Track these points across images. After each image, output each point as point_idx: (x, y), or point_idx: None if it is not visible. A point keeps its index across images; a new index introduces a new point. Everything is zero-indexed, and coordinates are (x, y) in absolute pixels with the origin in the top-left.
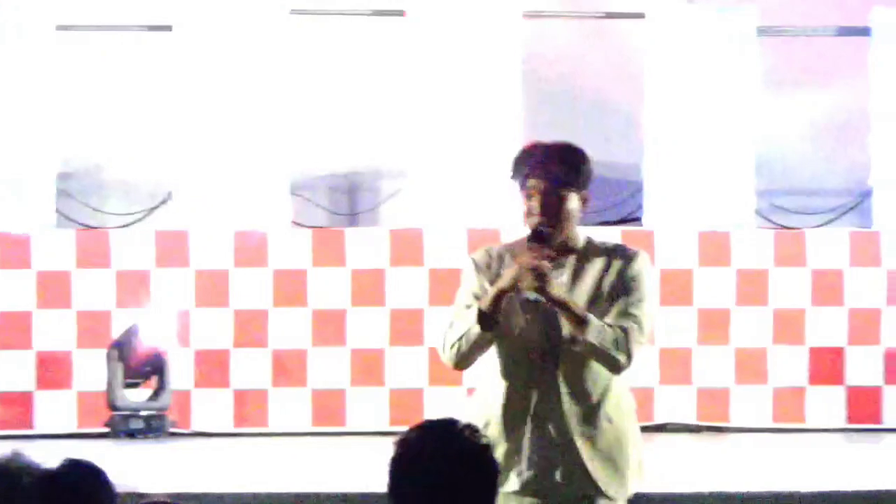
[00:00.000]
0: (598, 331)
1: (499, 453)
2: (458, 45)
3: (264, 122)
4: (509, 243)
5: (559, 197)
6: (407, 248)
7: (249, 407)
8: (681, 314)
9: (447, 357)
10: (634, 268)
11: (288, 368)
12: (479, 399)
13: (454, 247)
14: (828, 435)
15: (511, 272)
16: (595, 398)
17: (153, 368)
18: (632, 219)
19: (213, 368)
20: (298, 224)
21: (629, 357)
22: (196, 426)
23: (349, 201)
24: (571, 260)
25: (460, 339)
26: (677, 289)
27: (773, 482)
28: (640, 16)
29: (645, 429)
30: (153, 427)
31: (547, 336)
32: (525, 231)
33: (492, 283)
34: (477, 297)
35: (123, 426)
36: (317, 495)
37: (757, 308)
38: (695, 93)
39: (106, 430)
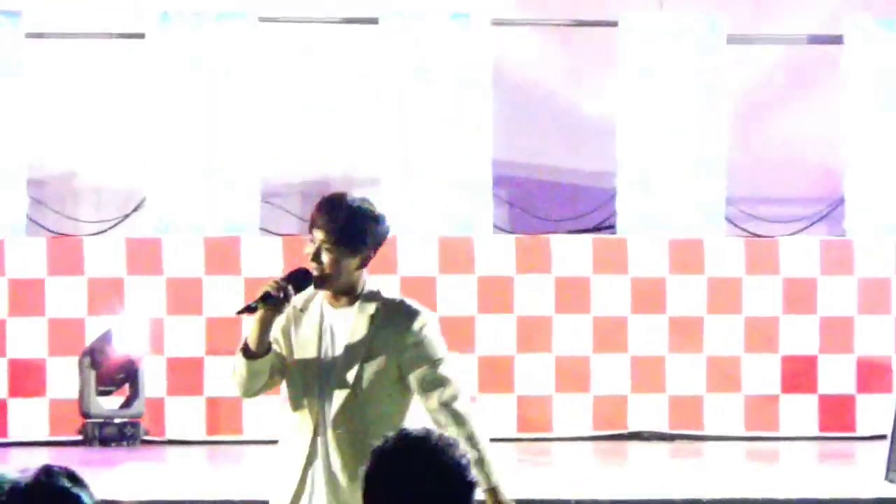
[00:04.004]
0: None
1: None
2: (430, 53)
3: (236, 129)
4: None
5: (333, 257)
6: (379, 255)
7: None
8: (652, 322)
9: (236, 389)
10: (416, 329)
11: None
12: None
13: (425, 254)
14: (800, 443)
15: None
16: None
17: (126, 376)
18: (605, 227)
19: (186, 376)
20: (267, 231)
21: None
22: (170, 434)
23: None
24: (353, 308)
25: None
26: (650, 298)
27: (745, 490)
28: (614, 24)
29: (618, 437)
30: (126, 435)
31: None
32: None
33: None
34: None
35: (96, 434)
36: None
37: (729, 316)
38: (667, 100)
39: (79, 437)
